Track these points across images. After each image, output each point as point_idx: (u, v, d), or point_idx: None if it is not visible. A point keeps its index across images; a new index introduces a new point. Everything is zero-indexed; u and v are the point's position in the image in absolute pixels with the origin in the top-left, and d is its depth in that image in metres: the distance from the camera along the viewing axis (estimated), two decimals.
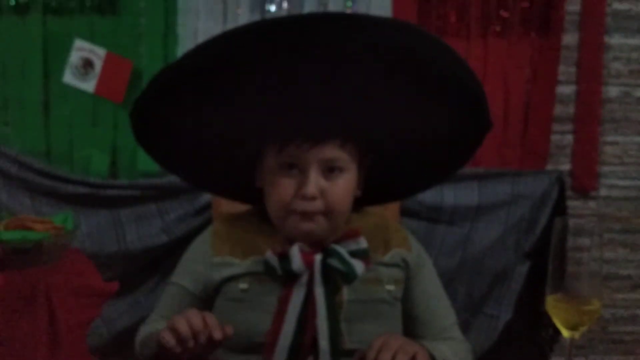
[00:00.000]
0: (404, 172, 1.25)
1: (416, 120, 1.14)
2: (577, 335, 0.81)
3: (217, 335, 1.00)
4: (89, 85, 1.73)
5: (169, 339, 0.97)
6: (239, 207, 1.45)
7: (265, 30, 0.98)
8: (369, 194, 1.24)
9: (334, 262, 1.11)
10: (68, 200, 1.74)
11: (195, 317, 1.00)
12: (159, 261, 1.73)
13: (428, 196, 1.75)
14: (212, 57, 1.01)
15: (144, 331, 1.20)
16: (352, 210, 1.22)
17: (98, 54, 1.73)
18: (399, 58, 1.01)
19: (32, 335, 0.81)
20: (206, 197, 1.71)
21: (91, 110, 1.79)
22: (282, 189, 1.11)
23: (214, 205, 1.58)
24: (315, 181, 1.09)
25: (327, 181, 1.10)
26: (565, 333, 0.81)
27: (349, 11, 1.91)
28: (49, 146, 1.79)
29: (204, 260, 1.18)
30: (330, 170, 1.10)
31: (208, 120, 1.14)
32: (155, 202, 1.74)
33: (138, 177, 1.77)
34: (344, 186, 1.11)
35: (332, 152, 1.09)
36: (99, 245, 1.71)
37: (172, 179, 1.75)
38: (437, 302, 1.23)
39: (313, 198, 1.08)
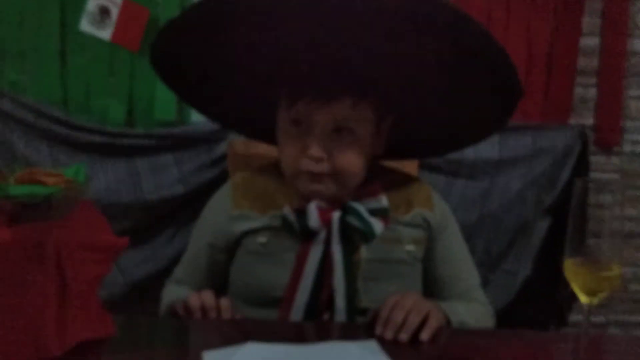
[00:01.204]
0: (428, 133, 1.22)
1: (438, 86, 1.10)
2: (595, 301, 0.79)
3: (226, 315, 1.03)
4: (105, 33, 1.71)
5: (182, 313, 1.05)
6: (254, 158, 1.44)
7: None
8: (391, 149, 1.21)
9: (352, 220, 1.10)
10: (85, 149, 1.74)
11: (208, 299, 1.04)
12: (176, 211, 1.73)
13: None
14: (228, 6, 0.98)
15: (169, 292, 1.22)
16: (376, 166, 1.20)
17: (114, 1, 1.70)
18: (417, 27, 0.97)
19: (41, 289, 0.81)
20: (222, 147, 1.70)
21: (108, 59, 1.77)
22: (290, 148, 1.09)
23: (230, 155, 1.57)
24: (321, 141, 1.06)
25: (336, 142, 1.07)
26: (583, 299, 0.79)
27: None
28: (66, 95, 1.78)
29: (224, 213, 1.18)
30: (340, 130, 1.07)
31: (226, 62, 1.12)
32: (172, 151, 1.74)
33: (154, 126, 1.76)
34: (353, 149, 1.09)
35: (343, 111, 1.06)
36: (116, 195, 1.72)
37: (189, 128, 1.74)
38: (459, 264, 1.22)
39: (319, 159, 1.06)
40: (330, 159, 1.07)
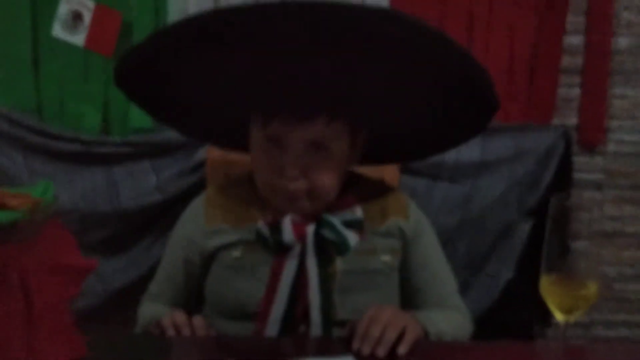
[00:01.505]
0: (402, 142, 1.21)
1: (411, 100, 1.09)
2: (572, 319, 0.77)
3: (200, 333, 1.02)
4: (78, 39, 1.67)
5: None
6: (233, 165, 1.42)
7: (253, 12, 0.92)
8: (368, 156, 1.20)
9: (326, 233, 1.09)
10: (61, 158, 1.71)
11: (179, 319, 1.04)
12: (154, 219, 1.70)
13: None
14: (200, 29, 0.96)
15: (145, 311, 1.20)
16: (351, 175, 1.19)
17: (87, 5, 1.67)
18: (384, 45, 0.96)
19: (7, 316, 0.78)
20: (201, 154, 1.67)
21: (82, 65, 1.73)
22: (266, 166, 1.08)
23: (209, 162, 1.55)
24: (297, 160, 1.05)
25: (311, 160, 1.06)
26: (559, 317, 0.78)
27: None
28: (40, 103, 1.74)
29: (197, 228, 1.17)
30: (316, 148, 1.06)
31: (197, 82, 1.10)
32: (149, 159, 1.71)
33: (131, 133, 1.73)
34: (329, 166, 1.07)
35: (318, 130, 1.04)
36: (93, 204, 1.69)
37: (166, 135, 1.71)
38: (435, 271, 1.21)
39: (295, 178, 1.05)
40: (306, 177, 1.06)
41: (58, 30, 1.68)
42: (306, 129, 1.04)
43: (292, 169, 1.04)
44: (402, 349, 0.95)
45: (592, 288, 0.74)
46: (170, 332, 1.02)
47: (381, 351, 0.94)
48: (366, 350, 0.95)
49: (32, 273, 0.81)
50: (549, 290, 0.76)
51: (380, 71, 1.03)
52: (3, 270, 0.79)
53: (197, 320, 1.05)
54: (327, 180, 1.08)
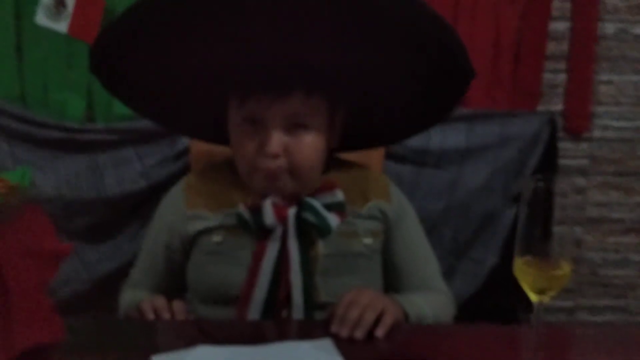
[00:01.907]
0: (383, 122, 1.20)
1: (387, 72, 1.09)
2: (545, 299, 0.78)
3: (180, 317, 1.02)
4: (62, 26, 1.66)
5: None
6: (216, 151, 1.42)
7: None
8: (350, 140, 1.20)
9: (308, 216, 1.08)
10: (45, 145, 1.70)
11: (159, 302, 1.04)
12: (139, 206, 1.70)
13: (414, 139, 1.68)
14: (170, 10, 0.96)
15: (126, 298, 1.20)
16: (332, 159, 1.19)
17: None
18: (358, 12, 0.95)
19: None
20: (185, 141, 1.67)
21: (65, 53, 1.72)
22: (245, 146, 1.07)
23: (192, 149, 1.54)
24: (277, 138, 1.05)
25: (292, 138, 1.06)
26: (534, 298, 0.78)
27: None
28: (24, 90, 1.73)
29: (178, 213, 1.16)
30: (294, 126, 1.06)
31: (170, 65, 1.09)
32: (134, 146, 1.70)
33: (115, 120, 1.72)
34: (309, 143, 1.07)
35: (295, 106, 1.04)
36: (77, 191, 1.68)
37: (149, 122, 1.70)
38: (418, 253, 1.21)
39: (275, 156, 1.05)
40: (287, 154, 1.06)
41: (41, 18, 1.66)
42: (283, 105, 1.03)
43: (272, 146, 1.04)
44: (379, 332, 0.95)
45: (565, 269, 0.75)
46: (150, 315, 1.02)
47: (359, 334, 0.94)
48: (344, 332, 0.95)
49: (8, 257, 0.81)
50: (523, 271, 0.76)
51: (354, 43, 1.02)
52: None
53: (177, 304, 1.05)
54: (307, 157, 1.08)
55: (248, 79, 1.05)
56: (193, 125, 1.27)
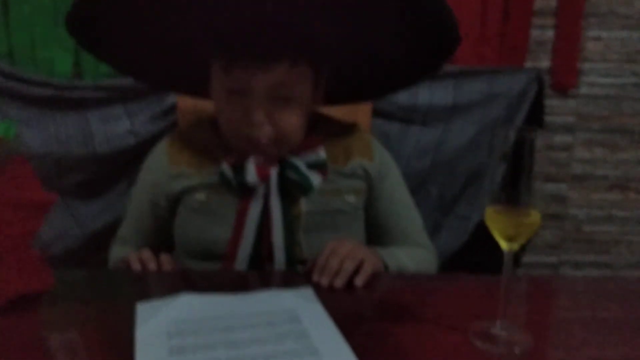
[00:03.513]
0: (367, 78, 1.21)
1: (374, 35, 1.08)
2: (514, 247, 0.80)
3: (167, 268, 1.04)
4: None
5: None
6: (203, 108, 1.43)
7: None
8: (335, 94, 1.21)
9: (290, 174, 1.10)
10: (34, 102, 1.70)
11: (146, 254, 1.06)
12: (128, 163, 1.71)
13: (402, 96, 1.71)
14: None
15: (115, 253, 1.22)
16: (316, 116, 1.19)
17: None
18: None
19: None
20: (173, 98, 1.67)
21: (52, 9, 1.70)
22: (230, 114, 1.07)
23: (179, 106, 1.55)
24: (262, 107, 1.05)
25: (276, 105, 1.06)
26: (504, 245, 0.80)
27: None
28: (11, 47, 1.72)
29: (162, 172, 1.17)
30: (279, 93, 1.05)
31: (151, 27, 1.09)
32: (122, 103, 1.70)
33: (102, 77, 1.71)
34: (293, 112, 1.07)
35: (281, 75, 1.03)
36: (67, 148, 1.69)
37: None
38: (401, 210, 1.23)
39: (261, 124, 1.05)
40: (272, 122, 1.06)
41: None
42: (268, 75, 1.02)
43: (257, 115, 1.04)
44: (359, 281, 0.98)
45: (534, 216, 0.76)
46: (136, 266, 1.04)
47: (339, 282, 0.97)
48: (324, 281, 0.97)
49: None
50: (494, 218, 0.78)
51: (342, 10, 1.02)
52: None
53: (164, 256, 1.07)
54: (293, 124, 1.08)
55: (233, 48, 1.04)
56: (175, 81, 1.27)
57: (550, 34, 1.81)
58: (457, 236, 1.76)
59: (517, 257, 1.82)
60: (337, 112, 1.29)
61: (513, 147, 0.76)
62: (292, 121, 1.07)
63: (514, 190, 0.76)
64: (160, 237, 1.22)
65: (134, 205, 1.24)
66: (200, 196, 1.14)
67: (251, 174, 1.08)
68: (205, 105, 1.43)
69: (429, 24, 1.00)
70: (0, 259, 0.85)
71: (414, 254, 1.17)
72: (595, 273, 1.98)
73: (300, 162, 1.11)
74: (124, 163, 1.71)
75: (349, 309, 0.92)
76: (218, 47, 1.05)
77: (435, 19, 0.99)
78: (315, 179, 1.12)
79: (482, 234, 1.78)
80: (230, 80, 1.04)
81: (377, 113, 1.67)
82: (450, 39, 1.03)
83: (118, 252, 1.22)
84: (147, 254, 1.06)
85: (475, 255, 1.77)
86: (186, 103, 1.52)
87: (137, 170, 1.68)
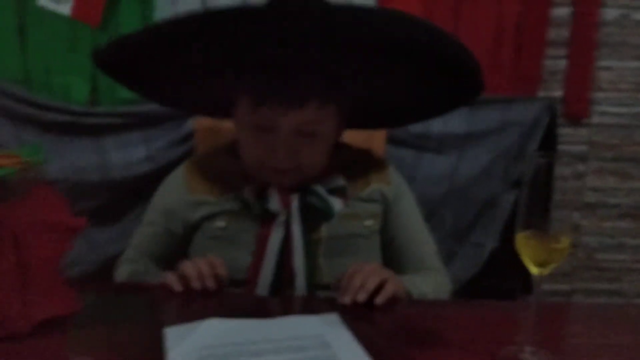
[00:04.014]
0: (386, 111, 1.22)
1: (399, 82, 1.10)
2: (545, 272, 0.80)
3: (222, 271, 1.02)
4: (64, 8, 1.67)
5: (175, 284, 1.03)
6: (221, 135, 1.44)
7: (245, 17, 0.93)
8: (352, 121, 1.22)
9: (312, 200, 1.11)
10: (50, 128, 1.71)
11: (205, 267, 1.03)
12: (144, 189, 1.71)
13: (416, 124, 1.72)
14: (191, 26, 0.96)
15: (126, 269, 1.21)
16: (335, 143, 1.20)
17: None
18: (378, 42, 0.96)
19: (1, 271, 0.80)
20: (190, 124, 1.68)
21: (68, 35, 1.73)
22: (254, 148, 1.09)
23: (197, 132, 1.56)
24: (287, 144, 1.06)
25: (301, 143, 1.07)
26: (534, 270, 0.81)
27: None
28: (27, 73, 1.74)
29: (179, 200, 1.18)
30: (305, 131, 1.07)
31: (186, 69, 1.09)
32: (139, 129, 1.72)
33: (119, 103, 1.73)
34: (318, 148, 1.10)
35: (308, 114, 1.05)
36: (83, 174, 1.70)
37: (155, 106, 1.71)
38: (415, 233, 1.24)
39: (285, 160, 1.07)
40: (295, 158, 1.08)
41: (43, 0, 1.67)
42: (296, 114, 1.04)
43: (282, 151, 1.06)
44: (379, 299, 0.98)
45: (565, 242, 0.77)
46: (196, 284, 1.02)
47: (361, 297, 0.97)
48: (347, 300, 0.97)
49: (25, 230, 0.83)
50: (524, 244, 0.79)
51: (374, 62, 1.03)
52: None
53: (215, 259, 1.05)
54: (316, 159, 1.11)
55: (264, 88, 1.05)
56: (198, 105, 1.28)
57: (562, 63, 1.83)
58: (472, 263, 1.76)
59: (529, 285, 1.81)
60: (352, 139, 1.30)
61: (543, 173, 0.76)
62: (316, 155, 1.10)
63: (544, 216, 0.77)
64: (170, 263, 1.22)
65: (146, 230, 1.25)
66: (220, 223, 1.14)
67: (274, 201, 1.10)
68: (223, 132, 1.44)
69: (454, 70, 1.02)
70: (29, 281, 0.85)
71: (431, 280, 1.18)
72: (607, 301, 1.97)
73: (321, 189, 1.12)
74: (140, 189, 1.71)
75: (375, 335, 0.91)
76: (248, 87, 1.06)
77: (460, 67, 1.01)
78: (336, 204, 1.13)
79: (496, 261, 1.79)
80: (258, 117, 1.06)
81: (391, 140, 1.68)
82: (473, 87, 1.05)
83: (133, 268, 1.21)
84: (206, 267, 1.03)
85: (489, 282, 1.77)
86: (204, 129, 1.53)
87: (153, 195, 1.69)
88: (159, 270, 1.19)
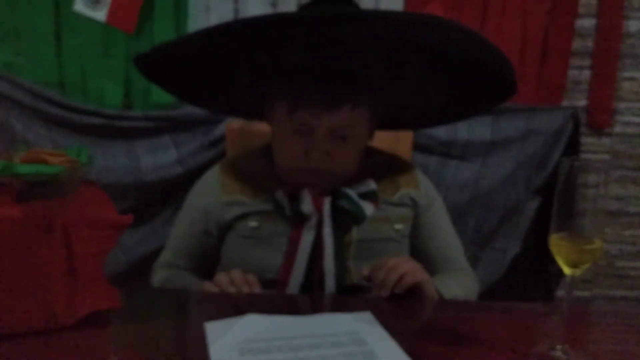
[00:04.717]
0: (415, 112, 1.25)
1: (433, 86, 1.13)
2: (578, 273, 0.83)
3: (258, 290, 1.05)
4: (100, 15, 1.72)
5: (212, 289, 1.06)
6: (252, 139, 1.47)
7: (284, 23, 0.97)
8: (384, 121, 1.24)
9: (343, 204, 1.13)
10: (83, 131, 1.76)
11: (237, 276, 1.06)
12: (174, 192, 1.75)
13: (441, 131, 1.75)
14: (229, 36, 1.00)
15: (162, 275, 1.24)
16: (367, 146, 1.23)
17: None
18: (415, 48, 1.00)
19: (51, 265, 0.84)
20: (221, 129, 1.72)
21: (103, 41, 1.77)
22: (290, 151, 1.12)
23: (228, 136, 1.59)
24: (323, 146, 1.10)
25: (335, 145, 1.11)
26: (567, 270, 0.83)
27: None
28: (62, 77, 1.79)
29: (214, 199, 1.21)
30: (340, 133, 1.10)
31: (227, 70, 1.13)
32: (170, 133, 1.76)
33: (152, 108, 1.77)
34: (351, 151, 1.13)
35: (343, 117, 1.09)
36: (115, 177, 1.74)
37: (186, 110, 1.76)
38: (444, 236, 1.27)
39: (320, 161, 1.10)
40: (329, 160, 1.11)
41: (79, 6, 1.72)
42: (331, 117, 1.08)
43: (318, 153, 1.09)
44: (397, 289, 1.02)
45: (597, 244, 0.80)
46: (231, 289, 1.05)
47: (384, 293, 1.02)
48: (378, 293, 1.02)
49: (74, 226, 0.86)
50: (558, 245, 0.81)
51: (406, 64, 1.07)
52: (47, 222, 0.84)
53: (252, 277, 1.07)
54: (350, 161, 1.14)
55: (302, 91, 1.09)
56: (233, 107, 1.32)
57: (586, 74, 1.85)
58: (494, 269, 1.78)
59: (550, 291, 1.83)
60: (379, 145, 1.32)
61: (577, 176, 0.79)
62: (349, 158, 1.13)
63: (576, 219, 0.79)
64: (206, 263, 1.25)
65: (182, 232, 1.27)
66: (253, 223, 1.17)
67: (307, 203, 1.12)
68: (253, 136, 1.48)
69: (488, 72, 1.04)
70: (76, 275, 0.88)
71: (462, 280, 1.21)
72: (627, 308, 1.98)
73: (352, 193, 1.15)
74: (170, 192, 1.75)
75: (408, 333, 0.93)
76: (285, 91, 1.10)
77: (494, 68, 1.03)
78: (368, 208, 1.15)
79: (518, 267, 1.81)
80: (294, 120, 1.09)
81: (416, 147, 1.71)
82: (506, 89, 1.08)
83: (165, 274, 1.24)
84: (238, 276, 1.07)
85: (511, 287, 1.79)
86: (235, 133, 1.57)
87: (183, 200, 1.73)
88: (195, 277, 1.21)
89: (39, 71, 1.78)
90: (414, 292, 1.04)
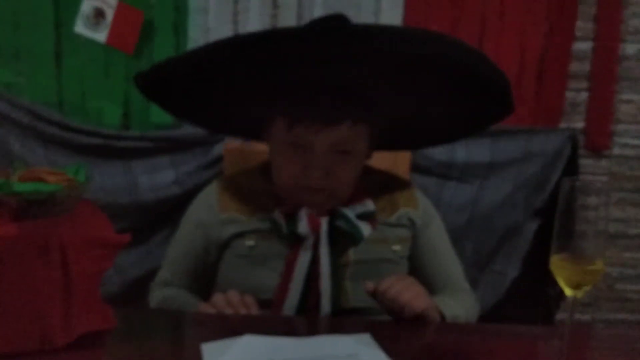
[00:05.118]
0: (413, 131, 1.25)
1: (430, 103, 1.13)
2: (579, 294, 0.82)
3: (255, 312, 1.04)
4: (100, 36, 1.73)
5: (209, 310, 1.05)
6: (250, 159, 1.47)
7: (282, 39, 0.97)
8: (383, 141, 1.24)
9: (340, 224, 1.13)
10: (81, 151, 1.75)
11: (234, 298, 1.05)
12: (171, 212, 1.74)
13: (439, 152, 1.75)
14: (227, 53, 1.00)
15: (159, 294, 1.23)
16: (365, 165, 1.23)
17: (109, 3, 1.72)
18: (410, 62, 1.00)
19: (46, 282, 0.83)
20: (218, 149, 1.72)
21: (103, 61, 1.78)
22: (289, 168, 1.12)
23: (226, 156, 1.59)
24: (321, 162, 1.09)
25: (334, 161, 1.10)
26: (568, 292, 0.82)
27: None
28: (61, 97, 1.79)
29: (210, 217, 1.20)
30: (339, 150, 1.10)
31: (224, 90, 1.13)
32: (168, 153, 1.75)
33: (150, 128, 1.77)
34: (351, 167, 1.13)
35: (342, 133, 1.09)
36: (112, 196, 1.73)
37: (185, 131, 1.76)
38: (444, 256, 1.26)
39: (318, 178, 1.09)
40: (329, 175, 1.10)
41: (80, 27, 1.73)
42: (331, 133, 1.07)
43: (317, 170, 1.09)
44: (406, 315, 1.02)
45: (598, 265, 0.79)
46: (228, 310, 1.05)
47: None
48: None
49: (71, 245, 0.86)
50: (559, 266, 0.80)
51: (406, 81, 1.07)
52: (44, 240, 0.84)
53: (249, 297, 1.07)
54: (348, 178, 1.13)
55: (300, 107, 1.08)
56: (231, 126, 1.31)
57: (584, 96, 1.86)
58: (494, 291, 1.77)
59: (550, 314, 1.82)
60: (378, 164, 1.32)
61: (580, 197, 0.78)
62: (348, 175, 1.12)
63: (578, 239, 0.79)
64: (204, 280, 1.23)
65: (179, 249, 1.26)
66: (249, 242, 1.16)
67: (303, 224, 1.11)
68: (251, 156, 1.47)
69: (486, 92, 1.05)
70: (72, 295, 0.87)
71: (462, 300, 1.20)
72: (627, 332, 1.97)
73: (350, 213, 1.14)
74: (168, 212, 1.75)
75: (408, 355, 0.93)
76: (283, 107, 1.10)
77: (492, 86, 1.04)
78: (365, 229, 1.15)
79: (517, 289, 1.80)
80: (293, 136, 1.09)
81: (414, 168, 1.71)
82: (504, 107, 1.08)
83: (166, 293, 1.23)
84: (235, 297, 1.06)
85: (510, 310, 1.77)
86: (233, 153, 1.57)
87: (180, 220, 1.72)
88: (193, 297, 1.20)
89: (39, 91, 1.79)
90: (417, 317, 1.03)
